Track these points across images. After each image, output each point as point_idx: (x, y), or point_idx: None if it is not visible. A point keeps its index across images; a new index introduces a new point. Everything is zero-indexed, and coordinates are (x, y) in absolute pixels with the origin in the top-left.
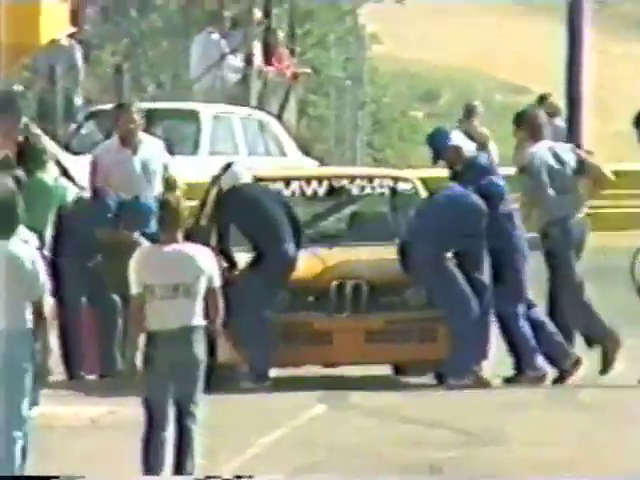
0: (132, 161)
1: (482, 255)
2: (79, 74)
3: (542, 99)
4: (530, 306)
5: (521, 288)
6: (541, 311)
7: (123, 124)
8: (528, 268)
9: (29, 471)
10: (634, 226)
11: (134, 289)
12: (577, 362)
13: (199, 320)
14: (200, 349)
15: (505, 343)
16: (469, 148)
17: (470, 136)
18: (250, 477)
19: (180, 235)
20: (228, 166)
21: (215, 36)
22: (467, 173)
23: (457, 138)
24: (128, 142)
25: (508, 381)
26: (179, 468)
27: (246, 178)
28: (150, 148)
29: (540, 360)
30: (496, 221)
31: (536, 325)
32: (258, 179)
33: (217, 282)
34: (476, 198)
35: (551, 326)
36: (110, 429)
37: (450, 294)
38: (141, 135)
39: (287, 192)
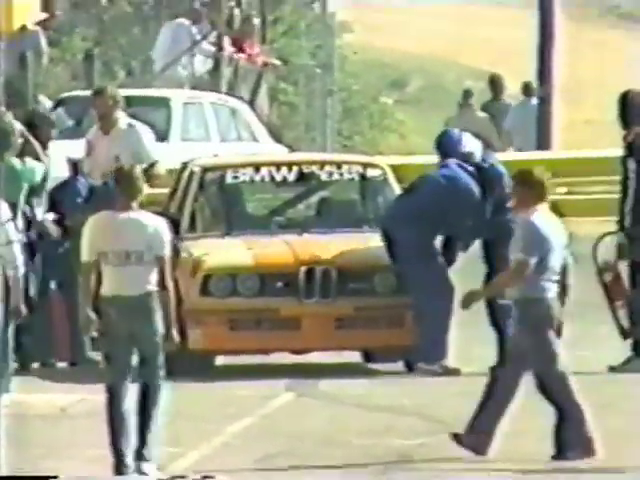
0: (101, 146)
1: (470, 243)
2: (43, 59)
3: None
4: None
5: None
6: None
7: (97, 109)
8: None
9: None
10: (603, 213)
11: (86, 256)
12: None
13: (151, 287)
14: (154, 315)
15: (494, 332)
16: (478, 149)
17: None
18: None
19: (135, 204)
20: None
21: (185, 23)
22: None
23: (468, 142)
24: (102, 127)
25: (493, 370)
26: (143, 429)
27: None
28: (124, 134)
29: None
30: (497, 206)
31: None
32: (229, 165)
33: (166, 252)
34: (472, 183)
35: None
36: (80, 417)
37: (432, 282)
38: (123, 121)
39: (257, 178)
